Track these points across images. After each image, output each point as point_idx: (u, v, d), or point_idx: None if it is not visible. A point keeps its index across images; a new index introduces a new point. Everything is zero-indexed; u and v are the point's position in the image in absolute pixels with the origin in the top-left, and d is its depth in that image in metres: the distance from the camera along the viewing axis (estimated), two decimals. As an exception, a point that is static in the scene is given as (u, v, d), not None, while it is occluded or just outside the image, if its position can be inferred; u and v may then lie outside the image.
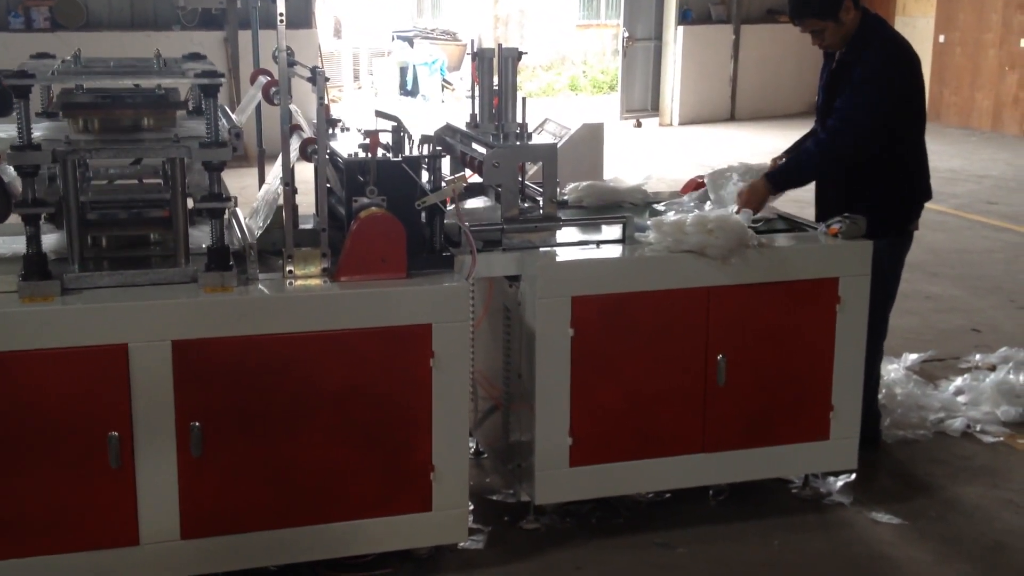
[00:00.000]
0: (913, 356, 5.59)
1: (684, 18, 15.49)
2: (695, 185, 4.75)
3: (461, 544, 3.79)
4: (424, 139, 3.92)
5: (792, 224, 4.28)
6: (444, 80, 19.76)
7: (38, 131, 3.34)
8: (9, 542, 3.23)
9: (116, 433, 3.21)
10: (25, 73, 3.20)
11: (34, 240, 3.22)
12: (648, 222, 3.97)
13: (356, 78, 20.34)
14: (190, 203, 3.45)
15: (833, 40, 4.28)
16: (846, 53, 4.31)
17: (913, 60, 4.34)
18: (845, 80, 4.27)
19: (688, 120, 15.56)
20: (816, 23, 4.25)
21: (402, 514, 3.56)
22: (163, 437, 3.26)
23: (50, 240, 3.53)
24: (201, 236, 3.55)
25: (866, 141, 4.22)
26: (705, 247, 3.80)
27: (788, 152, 4.61)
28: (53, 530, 3.25)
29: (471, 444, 4.26)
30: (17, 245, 3.56)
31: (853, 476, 4.29)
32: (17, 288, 3.20)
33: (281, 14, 3.35)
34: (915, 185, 4.44)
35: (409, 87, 19.36)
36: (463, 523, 3.68)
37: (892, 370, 5.29)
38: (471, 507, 3.80)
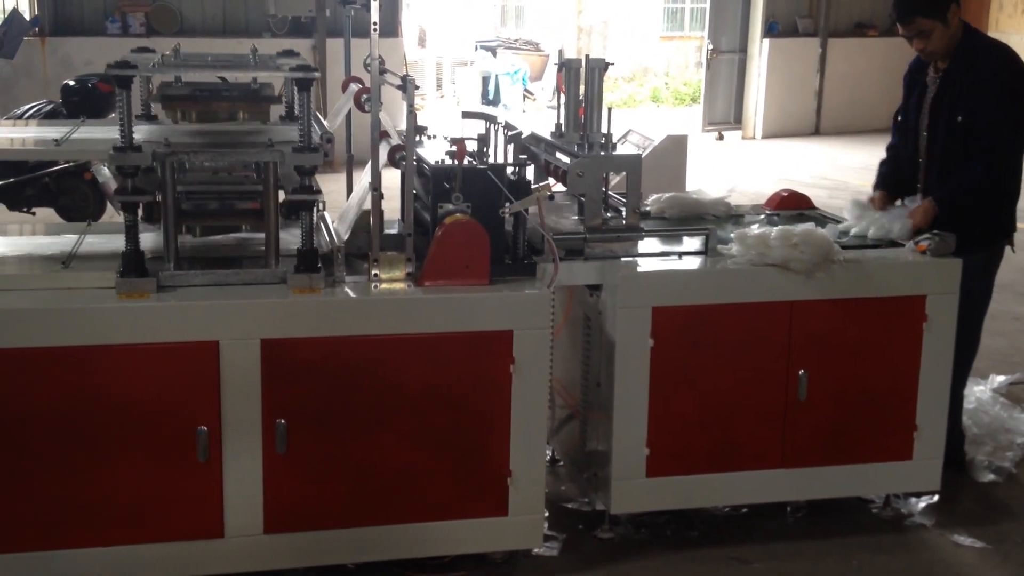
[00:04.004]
0: (1000, 378, 5.46)
1: (770, 31, 15.34)
2: (779, 199, 4.73)
3: (536, 550, 3.82)
4: (511, 137, 3.94)
5: (879, 240, 4.22)
6: (526, 90, 19.83)
7: (138, 133, 3.45)
8: (99, 530, 3.34)
9: (205, 428, 3.31)
10: (128, 63, 3.30)
11: (132, 230, 3.32)
12: (731, 235, 3.96)
13: (439, 87, 20.52)
14: (281, 195, 3.52)
15: (938, 45, 4.20)
16: (953, 64, 4.24)
17: None
18: (959, 96, 4.19)
19: (771, 134, 15.39)
20: (924, 23, 4.17)
21: (478, 518, 3.60)
22: (250, 433, 3.35)
23: (146, 239, 3.64)
24: (291, 239, 3.64)
25: (1017, 165, 4.20)
26: (789, 261, 3.77)
27: (881, 181, 4.55)
28: (142, 520, 3.36)
29: (547, 451, 4.28)
30: (113, 243, 3.68)
31: (936, 498, 4.21)
32: (115, 284, 3.32)
33: (375, 23, 3.42)
34: (1013, 198, 4.35)
35: (491, 96, 19.46)
36: (538, 529, 3.69)
37: (979, 391, 5.18)
38: (546, 514, 3.81)
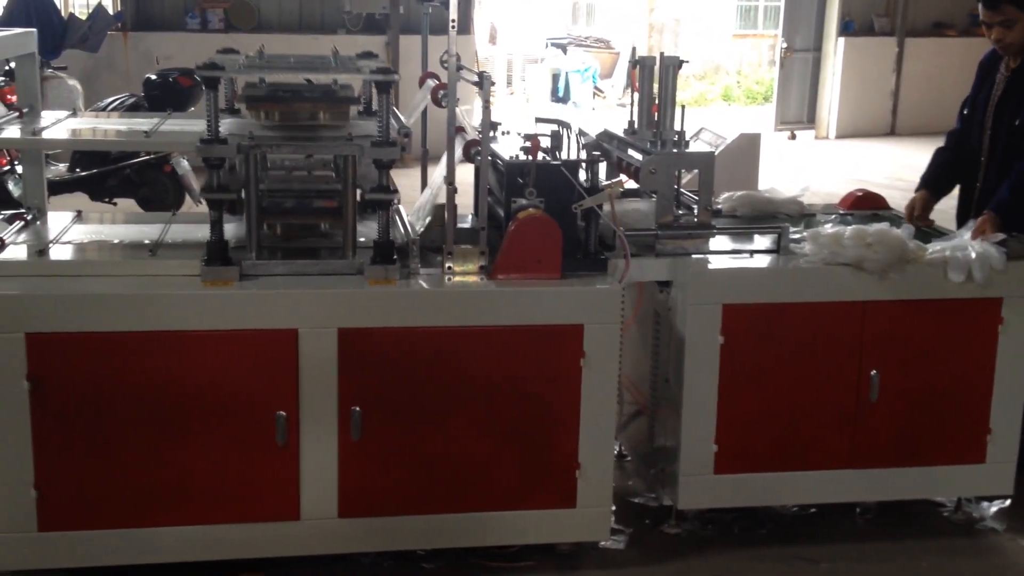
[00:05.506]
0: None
1: (846, 29, 15.14)
2: (853, 199, 4.70)
3: (603, 543, 3.85)
4: (584, 139, 3.98)
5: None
6: (596, 87, 19.82)
7: (223, 127, 3.56)
8: (179, 510, 3.46)
9: (284, 413, 3.40)
10: (215, 65, 3.43)
11: (217, 225, 3.44)
12: (805, 233, 3.95)
13: (509, 83, 20.60)
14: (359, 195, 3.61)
15: (1017, 38, 4.16)
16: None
17: None
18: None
19: (845, 134, 15.20)
20: (1011, 11, 4.13)
21: (547, 509, 3.64)
22: (326, 419, 3.44)
23: (228, 229, 3.75)
24: (367, 232, 3.72)
25: None
26: (863, 261, 3.75)
27: (928, 178, 4.49)
28: (222, 500, 3.46)
29: (615, 446, 4.31)
30: (196, 233, 3.80)
31: (1008, 502, 4.16)
32: (200, 272, 3.43)
33: (453, 20, 3.48)
34: None
35: (561, 94, 19.46)
36: (606, 522, 3.73)
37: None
38: (613, 507, 3.84)
